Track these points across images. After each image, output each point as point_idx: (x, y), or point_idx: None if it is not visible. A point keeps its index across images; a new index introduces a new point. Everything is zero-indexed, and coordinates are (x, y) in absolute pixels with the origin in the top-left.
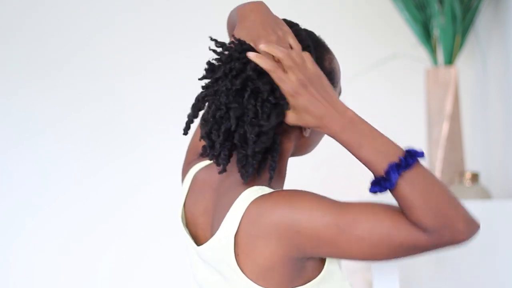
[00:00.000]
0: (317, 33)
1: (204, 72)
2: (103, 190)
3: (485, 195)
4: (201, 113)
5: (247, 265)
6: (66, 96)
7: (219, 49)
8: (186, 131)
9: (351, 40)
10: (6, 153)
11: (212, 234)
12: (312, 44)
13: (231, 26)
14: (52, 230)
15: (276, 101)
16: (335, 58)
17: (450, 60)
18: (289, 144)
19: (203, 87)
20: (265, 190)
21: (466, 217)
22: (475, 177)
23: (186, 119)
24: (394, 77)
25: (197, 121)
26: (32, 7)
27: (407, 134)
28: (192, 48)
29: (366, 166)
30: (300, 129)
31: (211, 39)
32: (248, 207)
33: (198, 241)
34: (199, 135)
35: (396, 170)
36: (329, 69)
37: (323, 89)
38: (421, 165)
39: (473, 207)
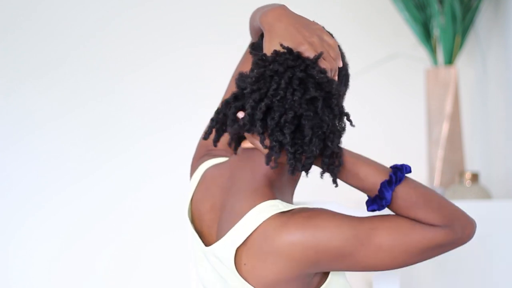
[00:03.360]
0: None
1: (250, 83)
2: (101, 188)
3: (485, 195)
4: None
5: (252, 276)
6: (65, 94)
7: (261, 61)
8: (216, 142)
9: (351, 40)
10: (4, 151)
11: (218, 236)
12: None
13: (254, 31)
14: (50, 228)
15: (341, 110)
16: None
17: (450, 60)
18: None
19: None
20: (280, 206)
21: (465, 214)
22: (475, 177)
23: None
24: (394, 77)
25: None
26: (31, 4)
27: (407, 134)
28: (192, 47)
29: (360, 190)
30: None
31: (251, 52)
32: (264, 222)
33: (204, 239)
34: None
35: (388, 186)
36: (346, 63)
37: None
38: (410, 179)
39: (473, 207)
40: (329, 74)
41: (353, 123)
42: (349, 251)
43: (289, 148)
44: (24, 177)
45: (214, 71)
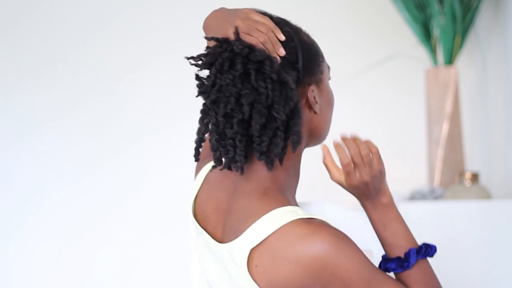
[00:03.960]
0: (317, 33)
1: (197, 89)
2: (101, 188)
3: (485, 195)
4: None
5: (263, 278)
6: (65, 94)
7: (198, 61)
8: (197, 157)
9: (351, 40)
10: (4, 151)
11: (227, 237)
12: (286, 24)
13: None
14: (50, 228)
15: (280, 78)
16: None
17: (450, 60)
18: (303, 126)
19: (202, 108)
20: (299, 212)
21: None
22: (475, 177)
23: (193, 144)
24: (394, 77)
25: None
26: (30, 4)
27: (407, 134)
28: (192, 47)
29: (385, 246)
30: (309, 108)
31: (187, 58)
32: (284, 225)
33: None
34: None
35: (416, 255)
36: (310, 42)
37: (380, 184)
38: (428, 261)
39: (473, 207)
40: (260, 47)
41: (293, 83)
42: (355, 285)
43: (240, 140)
44: (24, 177)
45: None
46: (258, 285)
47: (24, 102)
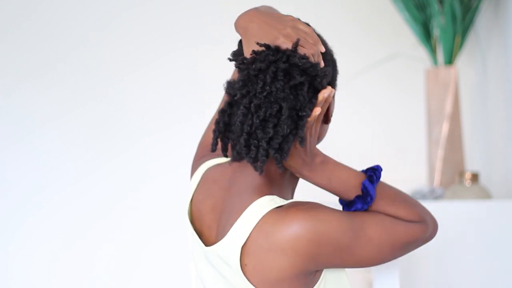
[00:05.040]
0: (317, 33)
1: (238, 89)
2: (101, 188)
3: (485, 195)
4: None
5: (254, 276)
6: (65, 94)
7: (240, 63)
8: (214, 147)
9: (351, 40)
10: (4, 151)
11: (219, 237)
12: (318, 35)
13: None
14: (50, 228)
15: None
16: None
17: (450, 60)
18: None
19: (231, 102)
20: (277, 201)
21: (429, 212)
22: (475, 177)
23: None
24: (394, 77)
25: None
26: (30, 5)
27: (407, 134)
28: (192, 47)
29: (338, 195)
30: (324, 117)
31: (230, 59)
32: (261, 219)
33: (203, 239)
34: (211, 131)
35: (371, 185)
36: (330, 49)
37: (312, 148)
38: (381, 181)
39: (473, 207)
40: (311, 59)
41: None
42: (347, 243)
43: (271, 143)
44: (24, 177)
45: (214, 71)
46: (253, 285)
47: (24, 102)
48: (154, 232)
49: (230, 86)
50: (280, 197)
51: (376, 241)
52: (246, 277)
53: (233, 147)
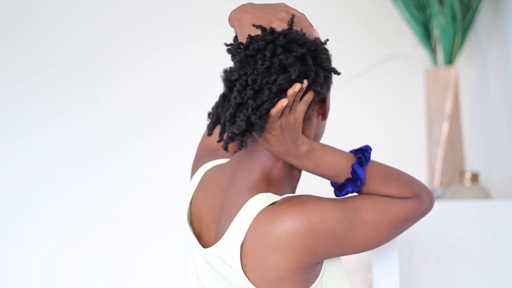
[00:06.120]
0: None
1: (236, 70)
2: (98, 188)
3: (485, 195)
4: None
5: (254, 276)
6: (61, 93)
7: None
8: (210, 132)
9: (352, 40)
10: (0, 150)
11: (217, 237)
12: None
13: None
14: (47, 228)
15: (331, 68)
16: None
17: (450, 60)
18: (309, 132)
19: (229, 80)
20: (272, 197)
21: (424, 184)
22: (475, 177)
23: (207, 118)
24: (394, 77)
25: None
26: (26, 5)
27: (407, 134)
28: (185, 47)
29: (328, 178)
30: (322, 115)
31: (227, 49)
32: (255, 217)
33: (202, 240)
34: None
35: (360, 167)
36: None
37: (291, 134)
38: (372, 160)
39: (473, 207)
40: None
41: (338, 71)
42: (343, 231)
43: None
44: (21, 177)
45: (207, 71)
46: (254, 285)
47: (20, 102)
48: (151, 231)
49: (227, 72)
50: (278, 195)
51: (372, 224)
52: (247, 277)
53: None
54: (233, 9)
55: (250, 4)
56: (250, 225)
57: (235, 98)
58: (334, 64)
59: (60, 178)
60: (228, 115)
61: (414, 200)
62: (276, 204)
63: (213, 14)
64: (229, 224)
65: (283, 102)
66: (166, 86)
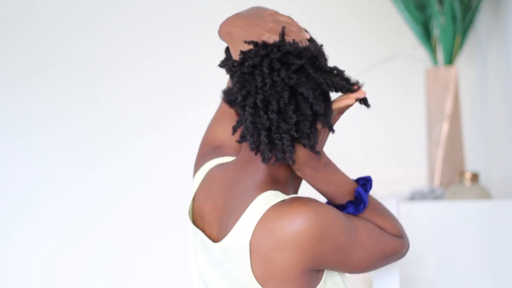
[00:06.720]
0: (317, 33)
1: (237, 91)
2: (98, 187)
3: (485, 195)
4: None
5: (260, 274)
6: (61, 93)
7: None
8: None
9: (352, 40)
10: (0, 150)
11: (221, 236)
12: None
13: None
14: (47, 228)
15: (333, 69)
16: None
17: (450, 60)
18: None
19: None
20: (280, 195)
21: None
22: (475, 177)
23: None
24: (394, 77)
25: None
26: (26, 5)
27: (407, 134)
28: (185, 47)
29: (330, 198)
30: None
31: (221, 66)
32: (264, 214)
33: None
34: (213, 129)
35: (365, 192)
36: (314, 40)
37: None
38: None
39: (473, 207)
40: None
41: (346, 74)
42: (344, 242)
43: (298, 128)
44: (21, 177)
45: (207, 71)
46: (258, 282)
47: (20, 102)
48: (151, 231)
49: (227, 93)
50: (286, 190)
51: (366, 247)
52: (253, 274)
53: (252, 145)
54: (228, 16)
55: (237, 16)
56: (258, 222)
57: (252, 123)
58: (334, 64)
59: (60, 178)
60: (265, 139)
61: (401, 240)
62: (285, 202)
63: (213, 14)
64: (235, 222)
65: (350, 101)
66: (166, 86)
